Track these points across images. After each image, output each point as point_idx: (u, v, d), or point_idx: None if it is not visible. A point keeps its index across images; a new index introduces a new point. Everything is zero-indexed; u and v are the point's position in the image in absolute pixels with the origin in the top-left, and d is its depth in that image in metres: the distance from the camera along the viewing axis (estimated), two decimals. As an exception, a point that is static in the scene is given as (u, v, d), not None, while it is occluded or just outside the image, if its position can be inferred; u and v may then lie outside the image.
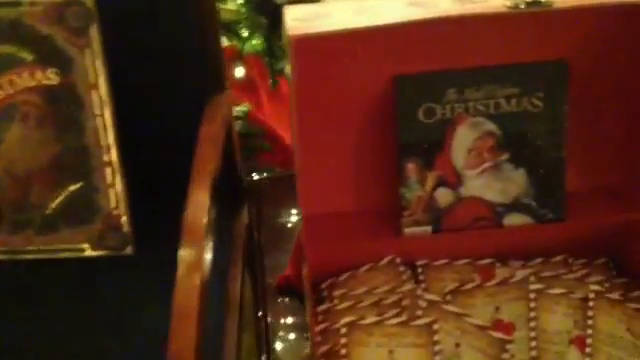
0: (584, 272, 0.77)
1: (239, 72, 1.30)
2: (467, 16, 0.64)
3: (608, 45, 0.70)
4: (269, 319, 0.95)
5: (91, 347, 0.74)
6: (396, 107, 0.70)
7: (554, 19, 0.68)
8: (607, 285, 0.75)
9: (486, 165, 0.74)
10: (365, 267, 0.77)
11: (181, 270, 0.61)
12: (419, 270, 0.78)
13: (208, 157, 0.71)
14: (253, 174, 1.27)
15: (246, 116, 1.28)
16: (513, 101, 0.71)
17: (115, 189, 0.82)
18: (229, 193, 1.03)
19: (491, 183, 0.74)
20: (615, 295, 0.71)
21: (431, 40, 0.68)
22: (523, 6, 0.56)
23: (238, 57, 1.30)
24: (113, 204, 0.83)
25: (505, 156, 0.73)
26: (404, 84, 0.69)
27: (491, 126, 0.72)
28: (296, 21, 0.54)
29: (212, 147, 0.72)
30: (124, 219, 0.84)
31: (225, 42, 1.31)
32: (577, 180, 0.78)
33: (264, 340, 0.90)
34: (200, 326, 0.58)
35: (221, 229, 0.95)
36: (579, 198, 0.77)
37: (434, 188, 0.74)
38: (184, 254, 0.62)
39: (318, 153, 0.71)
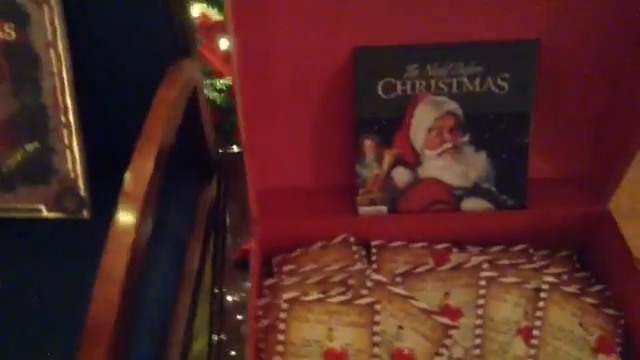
0: (543, 263, 0.74)
1: (224, 44, 1.27)
2: None
3: (583, 26, 0.66)
4: (235, 297, 0.94)
5: (42, 306, 0.74)
6: (355, 80, 0.68)
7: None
8: (565, 278, 0.73)
9: (446, 146, 0.71)
10: (318, 245, 0.76)
11: (112, 233, 0.59)
12: (373, 251, 0.76)
13: (159, 122, 0.69)
14: (233, 147, 1.26)
15: (229, 90, 1.26)
16: (477, 81, 0.68)
17: (72, 151, 0.81)
18: (196, 164, 1.02)
19: (451, 165, 0.72)
20: (570, 288, 0.69)
21: (394, 12, 0.65)
22: None
23: (224, 29, 1.28)
24: (70, 166, 0.82)
25: (466, 138, 0.71)
26: (364, 56, 0.67)
27: (453, 106, 0.69)
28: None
29: (165, 111, 0.70)
30: (81, 182, 0.83)
31: (215, 14, 1.29)
32: (542, 168, 0.75)
33: (217, 315, 0.89)
34: (126, 290, 0.57)
35: (183, 199, 0.94)
36: (543, 187, 0.74)
37: (391, 167, 0.72)
38: (118, 218, 0.60)
39: (268, 126, 0.69)
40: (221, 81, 1.28)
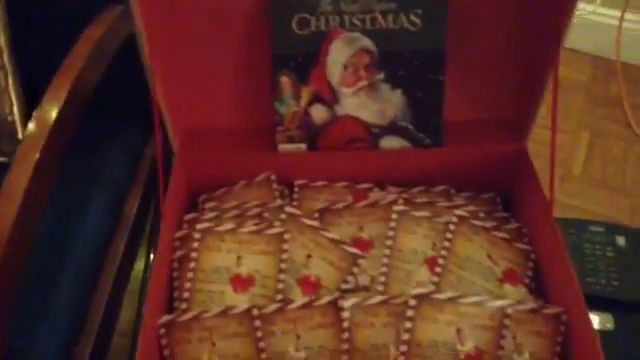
0: (462, 202, 0.76)
1: None
2: None
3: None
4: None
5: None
6: (269, 16, 0.69)
7: None
8: (482, 215, 0.74)
9: (362, 83, 0.72)
10: (240, 183, 0.77)
11: (16, 158, 0.61)
12: (295, 189, 0.77)
13: (77, 58, 0.71)
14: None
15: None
16: (390, 17, 0.69)
17: (9, 94, 0.83)
18: (139, 113, 1.04)
19: (367, 103, 0.73)
20: (480, 222, 0.70)
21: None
22: None
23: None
24: (7, 110, 0.84)
25: (381, 75, 0.72)
26: (276, -6, 0.68)
27: (367, 42, 0.70)
28: None
29: (85, 48, 0.72)
30: (18, 125, 0.85)
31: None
32: (461, 109, 0.76)
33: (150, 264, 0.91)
34: (26, 210, 0.58)
35: (128, 146, 0.96)
36: (462, 127, 0.76)
37: (309, 104, 0.73)
38: (22, 145, 0.62)
39: (182, 62, 0.70)
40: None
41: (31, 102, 0.84)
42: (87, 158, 0.91)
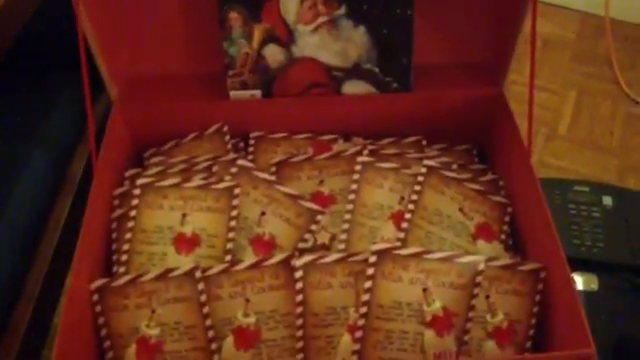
0: (433, 154, 0.69)
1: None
2: None
3: None
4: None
5: None
6: (213, -57, 0.61)
7: None
8: (455, 166, 0.67)
9: (321, 20, 0.64)
10: (190, 136, 0.70)
11: None
12: (251, 142, 0.70)
13: None
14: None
15: None
16: (350, -57, 0.62)
17: None
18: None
19: (328, 42, 0.65)
20: (452, 173, 0.64)
21: None
22: None
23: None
24: None
25: (343, 10, 0.64)
26: None
27: (325, -27, 0.63)
28: None
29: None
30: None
31: None
32: (432, 50, 0.69)
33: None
34: None
35: (74, 103, 0.88)
36: (436, 70, 0.69)
37: (262, 44, 0.66)
38: None
39: (116, 4, 0.62)
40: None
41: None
42: (31, 115, 0.84)
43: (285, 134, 0.70)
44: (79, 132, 0.87)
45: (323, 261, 0.54)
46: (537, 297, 0.57)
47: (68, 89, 0.89)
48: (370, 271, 0.53)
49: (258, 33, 0.65)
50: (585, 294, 0.85)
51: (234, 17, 0.64)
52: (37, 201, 0.76)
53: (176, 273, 0.54)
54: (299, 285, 0.54)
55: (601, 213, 1.03)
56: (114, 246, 0.61)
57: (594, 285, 0.86)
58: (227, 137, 0.69)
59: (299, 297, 0.54)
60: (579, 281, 0.85)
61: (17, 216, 0.73)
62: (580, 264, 0.93)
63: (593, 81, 1.46)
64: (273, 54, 0.66)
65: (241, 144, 0.70)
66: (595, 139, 1.34)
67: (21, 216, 0.74)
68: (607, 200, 1.04)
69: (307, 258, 0.54)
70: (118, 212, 0.62)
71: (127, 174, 0.66)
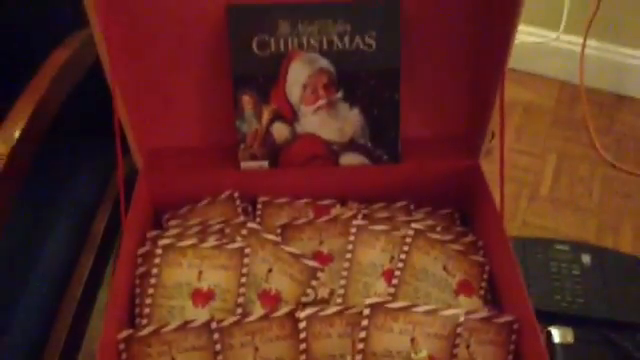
0: (421, 217, 0.78)
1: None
2: None
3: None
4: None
5: None
6: (229, 38, 0.72)
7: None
8: (439, 229, 0.76)
9: (321, 102, 0.75)
10: (204, 201, 0.79)
11: None
12: (258, 206, 0.79)
13: (37, 86, 0.72)
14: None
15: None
16: (346, 39, 0.72)
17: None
18: (108, 136, 1.05)
19: (327, 121, 0.76)
20: (436, 235, 0.72)
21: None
22: None
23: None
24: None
25: (339, 94, 0.74)
26: (237, 14, 0.71)
27: (325, 63, 0.73)
28: None
29: (50, 70, 0.74)
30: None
31: None
32: (418, 126, 0.79)
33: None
34: None
35: (96, 168, 0.97)
36: (419, 144, 0.78)
37: (270, 122, 0.75)
38: None
39: (145, 84, 0.73)
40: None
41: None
42: (56, 180, 0.92)
43: (289, 199, 0.79)
44: (101, 194, 0.95)
45: (323, 313, 0.62)
46: (511, 347, 0.64)
47: (89, 155, 0.98)
48: (365, 322, 0.61)
49: (267, 113, 0.75)
50: (561, 347, 0.92)
51: (246, 100, 0.74)
52: (62, 256, 0.84)
53: (194, 324, 0.62)
54: (303, 335, 0.61)
55: (580, 270, 1.10)
56: (137, 300, 0.68)
57: (570, 338, 0.93)
58: (237, 202, 0.78)
59: (303, 346, 0.61)
60: (556, 334, 0.91)
61: (44, 270, 0.81)
62: (561, 318, 1.00)
63: (572, 145, 1.57)
64: (279, 131, 0.76)
65: (250, 208, 0.79)
66: (575, 200, 1.43)
67: (48, 270, 0.81)
68: (586, 258, 1.12)
69: (309, 311, 0.62)
70: (141, 270, 0.70)
71: (149, 235, 0.74)
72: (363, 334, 0.60)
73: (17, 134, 0.66)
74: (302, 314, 0.61)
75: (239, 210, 0.77)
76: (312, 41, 0.72)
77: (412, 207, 0.80)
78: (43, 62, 0.78)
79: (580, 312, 1.03)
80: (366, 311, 0.61)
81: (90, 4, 0.60)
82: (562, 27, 1.60)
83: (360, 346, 0.60)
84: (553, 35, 1.63)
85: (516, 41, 0.66)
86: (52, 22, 0.83)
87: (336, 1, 0.71)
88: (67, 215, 0.87)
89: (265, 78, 0.74)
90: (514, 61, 0.69)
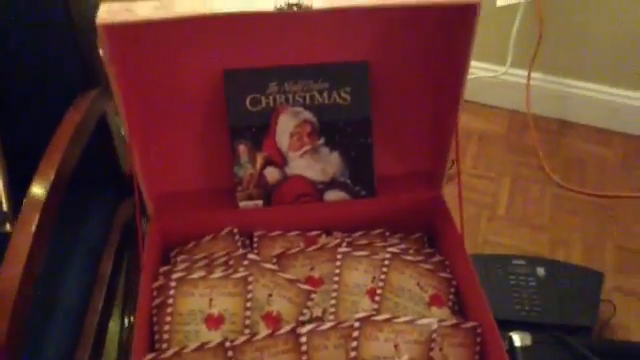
0: (395, 242, 0.90)
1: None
2: (260, 14, 0.69)
3: (403, 45, 0.84)
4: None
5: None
6: (226, 97, 0.84)
7: (354, 23, 0.81)
8: (411, 251, 0.88)
9: (306, 148, 0.87)
10: (207, 238, 0.90)
11: (9, 249, 0.70)
12: (255, 240, 0.90)
13: (60, 142, 0.82)
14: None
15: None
16: (325, 94, 0.85)
17: (-5, 170, 0.93)
18: (113, 185, 1.15)
19: (312, 164, 0.88)
20: (409, 257, 0.85)
21: (256, 40, 0.81)
22: (286, 8, 0.68)
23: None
24: (-7, 184, 0.94)
25: (321, 141, 0.87)
26: (232, 77, 0.83)
27: (308, 115, 0.86)
28: (107, 13, 0.66)
29: (67, 133, 0.84)
30: (2, 199, 0.95)
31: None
32: (389, 164, 0.92)
33: (129, 305, 1.01)
34: (29, 271, 0.68)
35: (100, 214, 1.07)
36: (391, 180, 0.91)
37: (263, 167, 0.87)
38: (16, 231, 0.72)
39: (154, 137, 0.84)
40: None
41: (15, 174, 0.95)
42: (65, 225, 1.01)
43: (281, 232, 0.91)
44: (105, 238, 1.04)
45: (320, 329, 0.73)
46: (477, 348, 0.77)
47: (95, 202, 1.07)
48: (355, 334, 0.72)
49: (260, 159, 0.87)
50: (521, 349, 1.05)
51: (242, 148, 0.86)
52: (77, 297, 0.92)
53: (210, 345, 0.72)
54: (304, 348, 0.72)
55: (536, 282, 1.24)
56: (155, 328, 0.78)
57: (528, 341, 1.06)
58: (237, 237, 0.89)
59: (304, 357, 0.72)
60: (516, 338, 1.04)
61: (64, 309, 0.89)
62: (520, 325, 1.13)
63: (523, 168, 1.73)
64: (271, 174, 0.88)
65: (247, 241, 0.90)
66: (529, 218, 1.58)
67: (67, 309, 0.90)
68: (540, 271, 1.26)
69: (309, 327, 0.73)
70: (157, 301, 0.80)
71: (161, 270, 0.84)
72: (354, 344, 0.72)
73: (45, 192, 0.76)
74: (302, 330, 0.73)
75: (239, 244, 0.88)
76: (297, 97, 0.85)
77: (387, 234, 0.92)
78: (59, 121, 0.88)
79: (537, 319, 1.16)
80: (356, 324, 0.72)
81: (112, 74, 0.70)
82: (509, 62, 1.78)
83: (353, 354, 0.72)
84: (501, 69, 1.81)
85: (469, 76, 0.79)
86: (66, 84, 0.93)
87: (316, 63, 0.84)
88: (78, 258, 0.96)
89: (258, 129, 0.86)
90: (468, 94, 0.81)
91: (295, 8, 0.67)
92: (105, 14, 0.64)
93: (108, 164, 1.09)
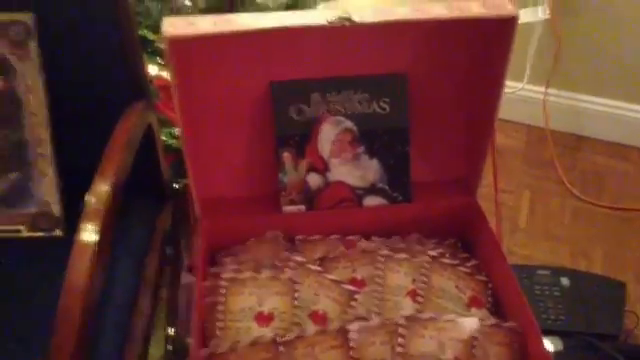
0: (431, 246, 0.94)
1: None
2: (311, 27, 0.74)
3: (441, 58, 0.89)
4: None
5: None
6: (272, 107, 0.88)
7: (394, 35, 0.86)
8: (447, 255, 0.92)
9: (347, 155, 0.92)
10: (252, 240, 0.93)
11: (74, 251, 0.73)
12: (297, 243, 0.94)
13: (116, 149, 0.87)
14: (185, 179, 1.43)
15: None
16: (365, 104, 0.90)
17: (48, 178, 0.98)
18: (155, 192, 1.20)
19: (352, 170, 0.92)
20: (448, 260, 0.88)
21: (301, 54, 0.86)
22: (337, 22, 0.73)
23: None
24: (46, 191, 0.99)
25: (361, 149, 0.91)
26: (278, 89, 0.88)
27: (349, 124, 0.90)
28: (172, 26, 0.71)
29: (122, 141, 0.88)
30: (55, 205, 0.99)
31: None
32: (425, 171, 0.96)
33: (173, 315, 1.04)
34: (87, 301, 0.70)
35: (142, 219, 1.11)
36: (428, 186, 0.95)
37: (306, 173, 0.92)
38: (80, 236, 0.75)
39: (206, 144, 0.88)
40: (176, 129, 1.48)
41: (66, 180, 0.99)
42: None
43: (321, 236, 0.95)
44: (149, 244, 1.08)
45: (369, 325, 0.76)
46: (516, 346, 0.80)
47: (138, 203, 1.11)
48: (402, 331, 0.75)
49: (303, 166, 0.91)
50: (554, 354, 1.07)
51: (286, 156, 0.91)
52: (126, 301, 0.96)
53: (263, 340, 0.76)
54: (353, 344, 0.76)
55: (561, 292, 1.27)
56: (207, 325, 0.82)
57: (560, 346, 1.09)
58: (281, 240, 0.93)
59: (352, 352, 0.75)
60: (548, 344, 1.07)
61: (113, 313, 0.93)
62: (547, 334, 1.16)
63: (542, 182, 1.76)
64: (314, 180, 0.92)
65: (289, 245, 0.94)
66: (549, 230, 1.61)
67: (116, 313, 0.93)
68: (565, 281, 1.29)
69: (358, 324, 0.76)
70: (207, 300, 0.83)
71: (211, 271, 0.88)
72: (401, 340, 0.75)
73: (107, 195, 0.80)
74: (351, 327, 0.76)
75: (282, 246, 0.92)
76: (338, 107, 0.90)
77: (423, 239, 0.96)
78: (107, 132, 0.93)
79: (563, 327, 1.19)
80: (402, 322, 0.76)
81: (175, 85, 0.75)
82: (526, 78, 1.83)
83: (399, 349, 0.75)
84: (519, 85, 1.85)
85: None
86: (115, 95, 0.98)
87: (357, 75, 0.89)
88: (125, 260, 1.00)
89: (301, 137, 0.90)
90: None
91: (347, 23, 0.71)
92: (170, 27, 0.69)
93: (151, 171, 1.13)
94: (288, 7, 1.28)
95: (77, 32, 0.95)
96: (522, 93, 1.87)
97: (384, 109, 0.90)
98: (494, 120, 0.86)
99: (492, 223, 0.91)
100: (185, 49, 0.72)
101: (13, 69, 0.93)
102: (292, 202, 0.92)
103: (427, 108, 0.92)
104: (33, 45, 0.91)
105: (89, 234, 0.77)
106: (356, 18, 0.72)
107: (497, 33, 0.79)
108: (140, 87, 1.03)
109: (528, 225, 1.63)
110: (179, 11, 1.30)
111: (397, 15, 0.75)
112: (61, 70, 0.95)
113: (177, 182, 1.35)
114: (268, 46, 0.84)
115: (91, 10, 0.93)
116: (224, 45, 0.80)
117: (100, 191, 0.82)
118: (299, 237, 0.94)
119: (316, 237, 0.94)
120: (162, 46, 1.32)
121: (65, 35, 0.95)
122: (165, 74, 1.49)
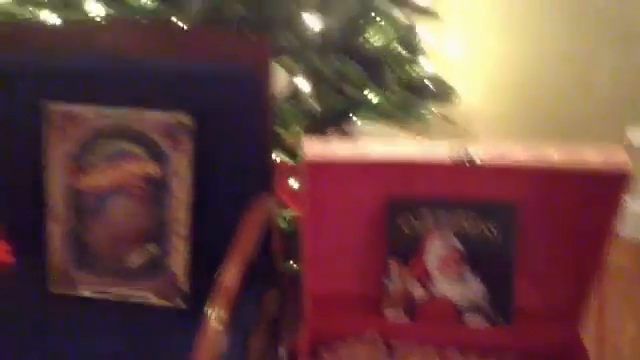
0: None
1: (294, 183, 1.61)
2: (443, 165, 0.86)
3: (552, 196, 0.93)
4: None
5: None
6: (386, 221, 0.96)
7: (508, 171, 0.92)
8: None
9: (452, 272, 0.97)
10: (351, 338, 1.00)
11: (207, 324, 0.84)
12: (394, 346, 0.99)
13: (245, 238, 0.98)
14: (292, 263, 1.53)
15: (292, 219, 1.57)
16: (474, 226, 0.95)
17: (181, 254, 1.11)
18: (265, 272, 1.30)
19: (455, 287, 0.97)
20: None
21: (417, 175, 0.94)
22: (459, 162, 0.80)
23: (294, 172, 1.62)
24: (176, 265, 1.11)
25: (467, 268, 0.96)
26: (394, 204, 0.96)
27: (457, 243, 0.96)
28: (313, 151, 0.82)
29: (250, 231, 0.99)
30: (183, 279, 1.11)
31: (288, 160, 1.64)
32: (529, 297, 0.98)
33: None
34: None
35: (252, 298, 1.21)
36: (530, 312, 0.97)
37: (410, 284, 0.98)
38: (213, 311, 0.85)
39: (323, 246, 0.97)
40: (288, 212, 1.60)
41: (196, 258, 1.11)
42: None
43: (418, 345, 0.99)
44: (257, 321, 1.17)
45: None
46: None
47: (254, 291, 1.21)
48: None
49: (409, 276, 0.97)
50: None
51: (393, 265, 0.98)
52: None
53: None
54: None
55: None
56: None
57: None
58: (379, 343, 0.98)
59: None
60: None
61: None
62: None
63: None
64: (417, 291, 0.98)
65: (384, 347, 0.99)
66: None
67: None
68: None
69: None
70: (307, 392, 0.90)
71: (312, 363, 0.95)
72: None
73: (235, 280, 0.90)
74: None
75: (379, 349, 0.97)
76: (447, 225, 0.96)
77: (519, 361, 0.97)
78: (238, 215, 1.05)
79: None
80: None
81: (307, 202, 0.85)
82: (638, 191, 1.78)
83: None
84: (629, 199, 1.81)
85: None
86: (247, 187, 1.11)
87: (468, 198, 0.95)
88: (237, 336, 1.09)
89: (410, 250, 0.97)
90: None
91: (468, 164, 0.79)
92: (311, 152, 0.80)
93: (267, 258, 1.24)
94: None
95: (225, 127, 1.09)
96: (634, 207, 1.82)
97: (492, 233, 0.95)
98: (602, 264, 0.87)
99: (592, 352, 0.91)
100: (321, 171, 0.82)
101: (168, 158, 1.08)
102: (394, 308, 0.98)
103: (536, 238, 0.96)
104: (189, 141, 1.06)
105: (218, 316, 0.87)
106: (477, 159, 0.79)
107: (608, 185, 0.82)
108: (268, 178, 1.16)
109: (633, 352, 1.55)
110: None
111: (514, 157, 0.81)
112: (205, 160, 1.09)
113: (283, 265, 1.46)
114: (391, 170, 0.93)
115: (244, 107, 1.05)
116: (352, 168, 0.90)
117: (230, 274, 0.93)
118: (397, 342, 0.99)
119: (413, 345, 0.99)
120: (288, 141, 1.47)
121: (215, 131, 1.09)
122: (284, 157, 1.64)
